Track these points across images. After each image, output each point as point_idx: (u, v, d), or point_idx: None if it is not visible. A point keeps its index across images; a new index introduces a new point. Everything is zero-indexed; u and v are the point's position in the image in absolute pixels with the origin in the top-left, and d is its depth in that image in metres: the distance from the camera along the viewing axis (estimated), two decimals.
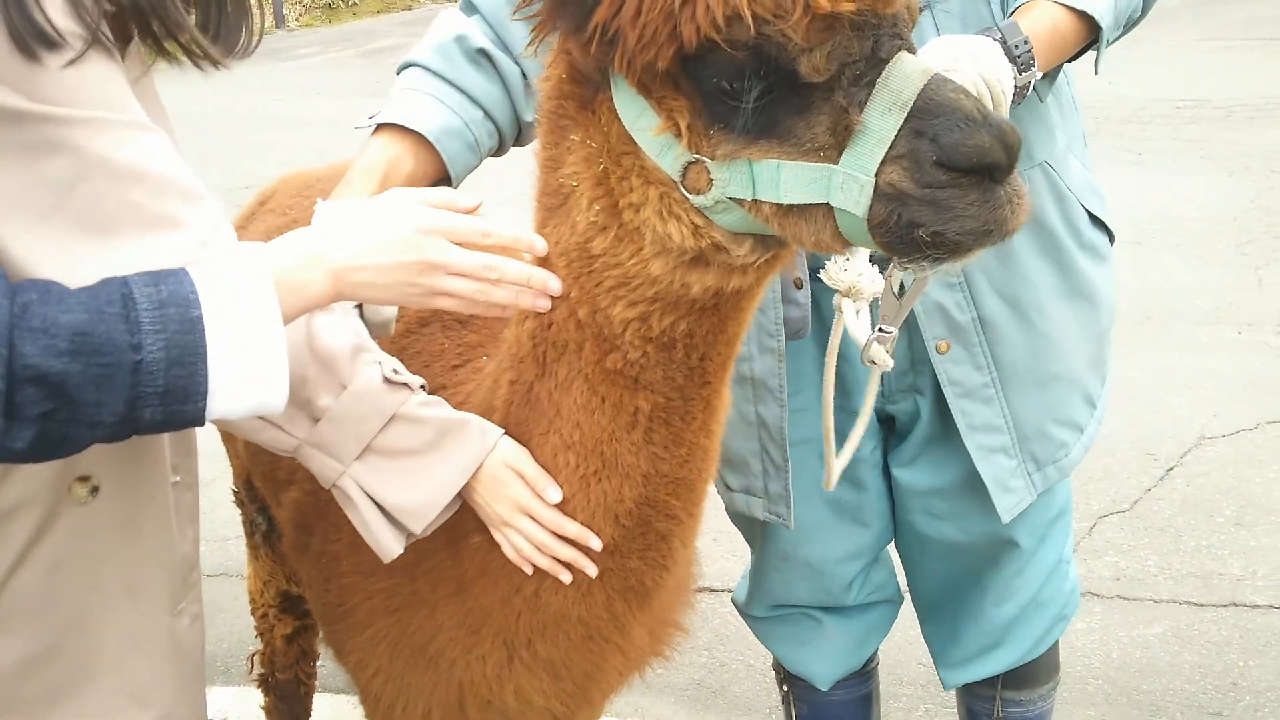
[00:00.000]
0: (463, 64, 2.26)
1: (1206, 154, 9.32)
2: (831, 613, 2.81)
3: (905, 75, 1.37)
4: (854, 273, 1.95)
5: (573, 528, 1.83)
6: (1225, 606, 4.19)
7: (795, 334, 2.40)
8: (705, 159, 1.49)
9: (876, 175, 1.37)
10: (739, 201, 1.50)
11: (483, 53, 2.27)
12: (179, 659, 1.73)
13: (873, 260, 1.96)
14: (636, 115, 1.53)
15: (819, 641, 2.82)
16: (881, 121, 1.36)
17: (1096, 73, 2.32)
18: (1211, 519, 4.70)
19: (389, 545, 1.82)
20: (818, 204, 1.43)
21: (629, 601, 1.93)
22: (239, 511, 3.14)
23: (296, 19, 21.54)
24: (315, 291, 1.55)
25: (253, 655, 3.42)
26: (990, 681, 2.84)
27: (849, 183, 1.39)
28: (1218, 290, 6.75)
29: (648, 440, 1.76)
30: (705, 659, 4.12)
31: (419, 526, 1.82)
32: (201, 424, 1.48)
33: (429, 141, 2.13)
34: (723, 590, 4.16)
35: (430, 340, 2.19)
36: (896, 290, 1.99)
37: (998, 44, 1.92)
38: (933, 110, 1.35)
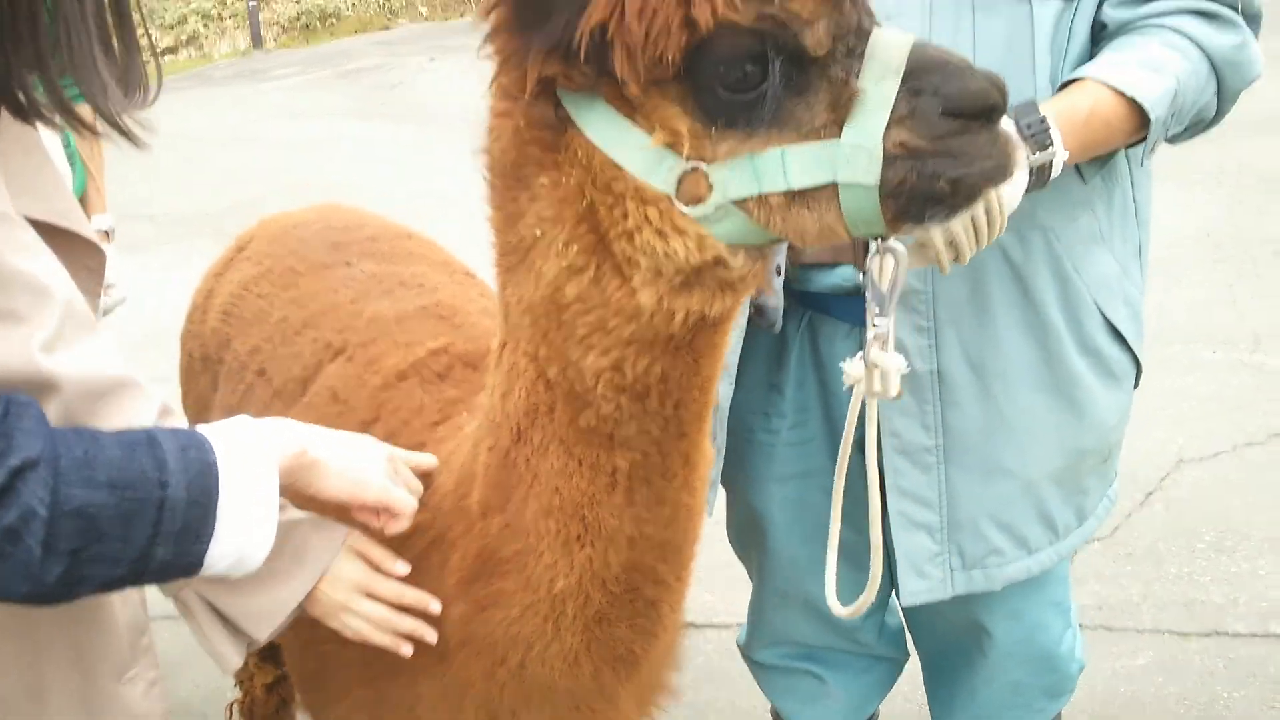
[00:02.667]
0: None
1: (1177, 168, 9.37)
2: (836, 669, 2.75)
3: (891, 43, 1.41)
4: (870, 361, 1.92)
5: (412, 595, 1.85)
6: (1209, 635, 4.19)
7: (770, 326, 2.32)
8: (703, 164, 1.48)
9: (884, 140, 1.40)
10: (739, 204, 1.49)
11: None
12: None
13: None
14: (620, 137, 1.50)
15: (823, 699, 2.77)
16: (879, 89, 1.39)
17: (1141, 164, 2.18)
18: (1192, 545, 4.71)
19: (229, 658, 1.79)
20: (823, 185, 1.44)
21: (617, 671, 1.91)
22: None
23: (274, 39, 21.47)
24: (289, 453, 1.65)
25: (231, 704, 3.39)
26: None
27: (856, 154, 1.41)
28: (1191, 308, 6.78)
29: (629, 502, 1.74)
30: (690, 698, 4.10)
31: (263, 634, 1.79)
32: (198, 571, 1.52)
33: None
34: (705, 626, 4.15)
35: (409, 396, 2.18)
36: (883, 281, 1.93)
37: (1009, 121, 1.89)
38: (926, 68, 1.39)
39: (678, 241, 1.51)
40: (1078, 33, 2.12)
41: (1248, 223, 8.07)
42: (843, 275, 2.26)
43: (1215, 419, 5.60)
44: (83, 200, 3.41)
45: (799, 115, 1.44)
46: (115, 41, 1.52)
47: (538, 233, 1.60)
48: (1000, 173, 1.45)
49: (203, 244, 9.46)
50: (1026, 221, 2.16)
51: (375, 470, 1.78)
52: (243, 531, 1.54)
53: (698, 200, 1.49)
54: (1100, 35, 2.15)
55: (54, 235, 1.53)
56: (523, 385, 1.73)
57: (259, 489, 1.56)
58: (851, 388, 1.83)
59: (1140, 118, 2.01)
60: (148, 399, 1.57)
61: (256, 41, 21.26)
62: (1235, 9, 2.08)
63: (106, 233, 3.43)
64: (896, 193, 1.43)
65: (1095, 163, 2.16)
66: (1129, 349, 2.37)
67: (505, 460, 1.80)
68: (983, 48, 2.07)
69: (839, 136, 1.42)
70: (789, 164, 1.44)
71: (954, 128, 1.41)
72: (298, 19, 22.08)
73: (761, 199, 1.48)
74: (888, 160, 1.41)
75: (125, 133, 1.55)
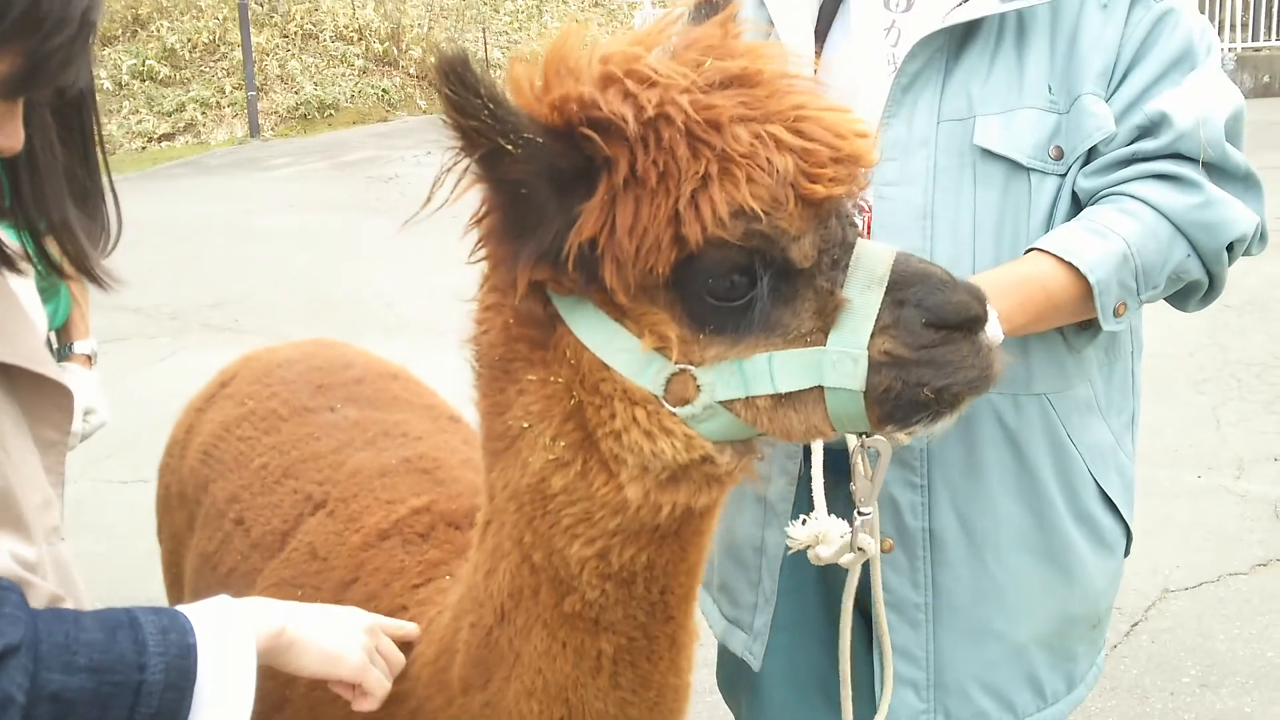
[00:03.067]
0: None
1: None
2: None
3: (876, 254, 1.47)
4: (813, 525, 1.96)
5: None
6: None
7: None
8: (692, 366, 1.50)
9: (869, 348, 1.44)
10: (727, 405, 1.51)
11: None
12: None
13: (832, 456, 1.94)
14: (608, 339, 1.52)
15: None
16: (864, 298, 1.45)
17: (1104, 328, 2.12)
18: (1177, 679, 4.68)
19: None
20: (810, 389, 1.48)
21: None
22: None
23: (271, 129, 21.75)
24: (268, 633, 1.67)
25: None
26: None
27: (842, 360, 1.45)
28: (1176, 431, 6.81)
29: (614, 685, 1.72)
30: None
31: None
32: None
33: None
34: None
35: (390, 556, 2.15)
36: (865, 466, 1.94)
37: None
38: (909, 280, 1.45)
39: (665, 441, 1.53)
40: (1060, 210, 2.15)
41: (1231, 344, 8.15)
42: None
43: (1200, 548, 5.59)
44: (67, 326, 3.41)
45: (786, 322, 1.48)
46: (85, 190, 1.57)
47: (525, 425, 1.61)
48: (983, 382, 1.49)
49: (190, 339, 9.50)
50: (1023, 387, 2.17)
51: (353, 647, 1.77)
52: (218, 714, 1.53)
53: (685, 401, 1.52)
54: (1078, 205, 2.19)
55: (22, 377, 1.56)
56: (507, 566, 1.73)
57: (237, 671, 1.56)
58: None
59: (1085, 283, 2.01)
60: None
61: (254, 130, 21.52)
62: (1197, 169, 2.09)
63: (89, 356, 3.43)
64: (882, 399, 1.47)
65: (1084, 333, 2.17)
66: (1121, 518, 2.37)
67: (488, 639, 1.78)
68: (981, 219, 2.12)
69: (825, 343, 1.46)
70: (776, 369, 1.48)
71: (937, 338, 1.45)
72: (296, 109, 22.38)
73: (749, 400, 1.51)
74: (873, 367, 1.46)
75: (95, 277, 1.59)
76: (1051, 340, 2.17)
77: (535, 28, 28.57)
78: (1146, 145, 2.07)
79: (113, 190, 1.63)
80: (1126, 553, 2.44)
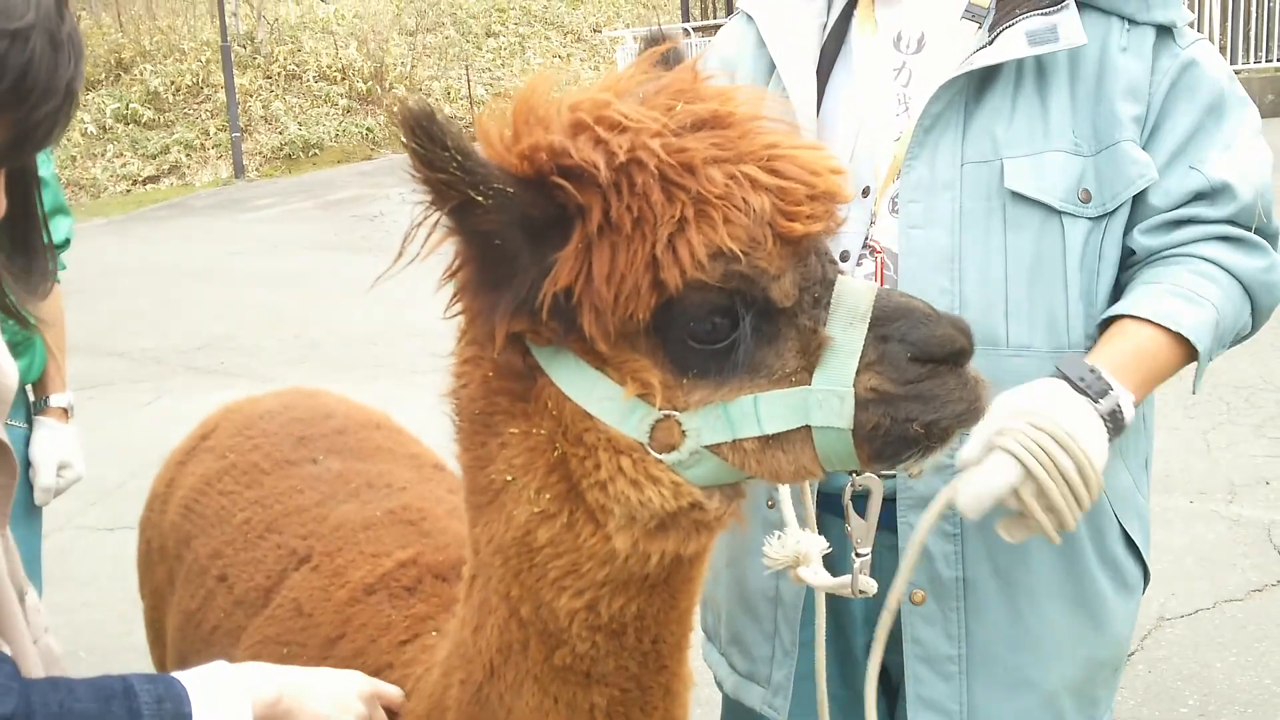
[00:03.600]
0: None
1: None
2: None
3: (857, 291, 1.45)
4: (791, 542, 1.93)
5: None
6: None
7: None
8: (676, 412, 1.48)
9: (855, 385, 1.43)
10: (713, 449, 1.49)
11: None
12: None
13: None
14: (590, 388, 1.51)
15: None
16: (847, 335, 1.43)
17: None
18: (1175, 709, 4.64)
19: None
20: (797, 429, 1.47)
21: None
22: None
23: (256, 169, 21.78)
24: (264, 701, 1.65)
25: None
26: None
27: (828, 399, 1.44)
28: (1167, 456, 6.79)
29: None
30: None
31: None
32: None
33: None
34: None
35: (376, 611, 2.12)
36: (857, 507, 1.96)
37: (1061, 381, 1.90)
38: (891, 316, 1.44)
39: (652, 490, 1.51)
40: (1107, 254, 2.14)
41: (1220, 367, 8.07)
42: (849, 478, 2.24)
43: (1194, 574, 5.57)
44: (43, 379, 3.37)
45: (770, 362, 1.47)
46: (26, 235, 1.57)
47: (508, 478, 1.58)
48: (972, 414, 1.48)
49: (175, 383, 9.45)
50: None
51: (349, 714, 1.75)
52: None
53: (671, 447, 1.50)
54: (1128, 260, 2.17)
55: None
56: (495, 622, 1.69)
57: None
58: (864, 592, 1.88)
59: (1184, 348, 2.03)
60: None
61: (239, 171, 21.55)
62: (1263, 233, 2.14)
63: (65, 410, 3.38)
64: (871, 436, 1.46)
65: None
66: (1141, 559, 2.34)
67: (478, 695, 1.75)
68: (1014, 263, 2.10)
69: (810, 382, 1.45)
70: (761, 410, 1.46)
71: (923, 372, 1.44)
72: (281, 149, 22.43)
73: (736, 444, 1.49)
74: (860, 404, 1.44)
75: (22, 318, 1.58)
76: None
77: (518, 64, 28.73)
78: (1208, 212, 2.09)
79: (48, 234, 1.63)
80: (1142, 591, 2.41)
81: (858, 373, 1.44)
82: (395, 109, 1.39)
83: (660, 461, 1.50)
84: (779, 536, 1.95)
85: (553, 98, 1.47)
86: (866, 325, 1.44)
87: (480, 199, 1.39)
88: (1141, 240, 2.12)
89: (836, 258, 1.52)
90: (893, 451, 1.48)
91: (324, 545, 2.32)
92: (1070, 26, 2.07)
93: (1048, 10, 2.09)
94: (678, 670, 1.74)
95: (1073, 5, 2.10)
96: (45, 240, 1.59)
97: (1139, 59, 2.12)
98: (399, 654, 2.02)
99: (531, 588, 1.62)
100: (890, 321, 1.45)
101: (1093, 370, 1.93)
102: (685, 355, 1.47)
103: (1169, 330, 2.00)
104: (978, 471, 1.82)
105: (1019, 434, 1.78)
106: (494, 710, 1.73)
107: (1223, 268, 2.08)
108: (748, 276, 1.42)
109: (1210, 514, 6.14)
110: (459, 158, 1.37)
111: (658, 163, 1.39)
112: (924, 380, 1.44)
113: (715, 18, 25.90)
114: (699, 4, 27.21)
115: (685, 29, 24.85)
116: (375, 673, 1.95)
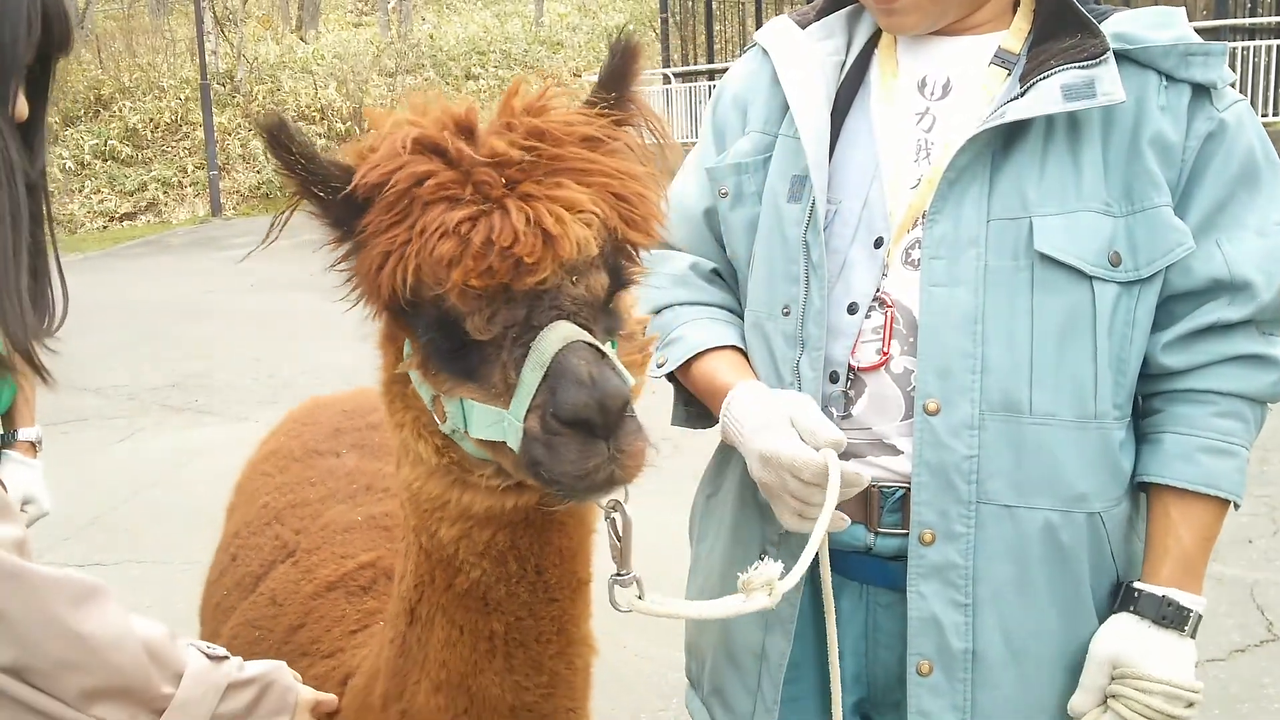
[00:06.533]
0: (707, 286, 2.38)
1: None
2: None
3: (548, 341, 1.58)
4: (763, 572, 1.91)
5: None
6: None
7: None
8: (441, 393, 1.70)
9: (524, 421, 1.59)
10: (463, 432, 1.70)
11: (715, 272, 2.39)
12: None
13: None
14: (408, 353, 1.76)
15: None
16: (530, 377, 1.58)
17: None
18: None
19: None
20: (500, 441, 1.63)
21: None
22: None
23: (233, 208, 21.73)
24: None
25: None
26: None
27: (511, 424, 1.60)
28: None
29: (509, 668, 1.86)
30: None
31: None
32: None
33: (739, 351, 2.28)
34: None
35: (333, 605, 2.31)
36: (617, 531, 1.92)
37: (1145, 622, 2.01)
38: (558, 372, 1.56)
39: (424, 445, 1.76)
40: (1140, 321, 2.07)
41: None
42: (853, 535, 2.18)
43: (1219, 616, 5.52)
44: (11, 412, 3.30)
45: (489, 378, 1.64)
46: (34, 273, 1.61)
47: (398, 428, 1.84)
48: (579, 483, 1.58)
49: (148, 419, 9.34)
50: (1080, 505, 2.08)
51: None
52: None
53: (442, 420, 1.72)
54: (1149, 366, 2.11)
55: None
56: (411, 561, 1.90)
57: None
58: None
59: (1226, 502, 2.05)
60: None
61: (216, 209, 21.49)
62: (1274, 341, 2.10)
63: (33, 444, 3.31)
64: (530, 468, 1.61)
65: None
66: None
67: (403, 647, 1.93)
68: (1041, 327, 2.03)
69: (508, 407, 1.61)
70: (474, 417, 1.66)
71: (555, 428, 1.57)
72: (258, 188, 22.41)
73: (469, 433, 1.69)
74: (525, 438, 1.59)
75: (39, 369, 1.65)
76: (1111, 459, 2.09)
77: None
78: (1227, 314, 2.05)
79: (61, 274, 1.70)
80: None
81: (528, 410, 1.58)
82: (255, 120, 1.73)
83: (434, 424, 1.73)
84: (754, 566, 1.92)
85: (397, 121, 1.70)
86: (543, 373, 1.56)
87: (320, 194, 1.66)
88: (1162, 360, 2.08)
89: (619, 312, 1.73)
90: (547, 486, 1.62)
91: (308, 542, 2.51)
92: (1109, 82, 1.99)
93: (1086, 64, 2.01)
94: (570, 611, 1.89)
95: (1112, 59, 2.01)
96: (56, 266, 1.66)
97: (1174, 119, 2.04)
98: (350, 640, 2.22)
99: (423, 520, 1.85)
100: (556, 377, 1.56)
101: (1168, 603, 2.00)
102: (434, 349, 1.68)
103: (1215, 497, 2.03)
104: None
105: (1131, 702, 1.97)
106: (413, 655, 1.91)
107: (1243, 398, 2.08)
108: (443, 307, 1.62)
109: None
110: (302, 160, 1.64)
111: (394, 190, 1.60)
112: (555, 436, 1.56)
113: (695, 63, 26.17)
114: (679, 50, 27.48)
115: (665, 74, 25.12)
116: (328, 657, 2.19)
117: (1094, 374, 2.04)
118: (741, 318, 2.34)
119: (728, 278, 2.39)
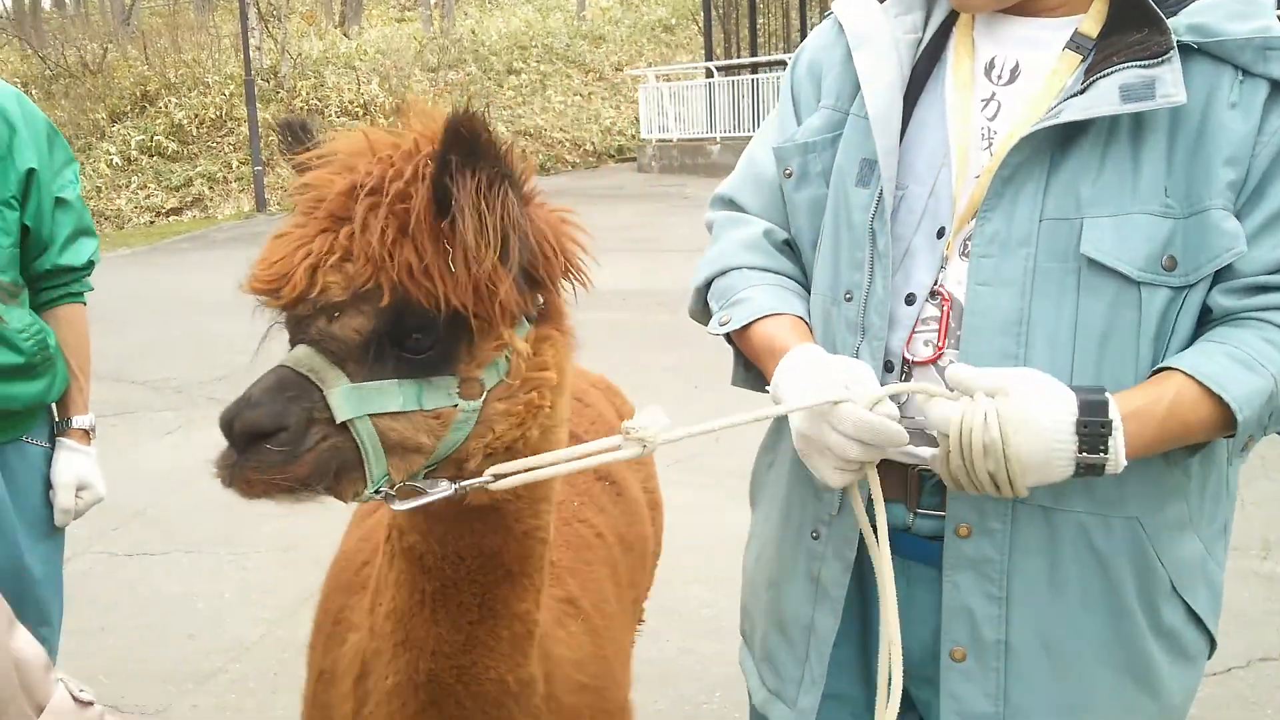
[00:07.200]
0: (778, 255, 2.35)
1: None
2: None
3: (285, 357, 1.77)
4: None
5: None
6: None
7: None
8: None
9: None
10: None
11: (788, 243, 2.36)
12: None
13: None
14: None
15: None
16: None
17: (1230, 464, 2.04)
18: None
19: None
20: None
21: None
22: None
23: (278, 203, 21.90)
24: None
25: None
26: None
27: None
28: None
29: (434, 620, 2.06)
30: None
31: None
32: None
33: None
34: None
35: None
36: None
37: (1068, 403, 1.82)
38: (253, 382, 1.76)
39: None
40: (1180, 327, 1.99)
41: None
42: (893, 514, 2.16)
43: (1227, 632, 5.34)
44: (65, 400, 3.33)
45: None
46: None
47: None
48: (224, 479, 1.72)
49: (196, 412, 9.42)
50: (1117, 510, 2.03)
51: None
52: None
53: None
54: (1205, 318, 2.02)
55: None
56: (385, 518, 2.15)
57: None
58: None
59: (1225, 413, 1.88)
60: None
61: (260, 205, 21.68)
62: None
63: (87, 431, 3.35)
64: None
65: (1196, 455, 2.02)
66: (1205, 629, 2.20)
67: (378, 573, 2.19)
68: (1084, 332, 1.97)
69: None
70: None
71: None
72: None
73: None
74: None
75: None
76: (1147, 462, 1.99)
77: (539, 101, 28.95)
78: None
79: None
80: (1207, 658, 2.31)
81: None
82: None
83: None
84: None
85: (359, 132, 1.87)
86: None
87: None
88: (1221, 300, 1.98)
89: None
90: None
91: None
92: (1170, 82, 1.90)
93: (1148, 62, 1.92)
94: (495, 591, 2.05)
95: (1176, 59, 1.92)
96: None
97: (1246, 117, 1.93)
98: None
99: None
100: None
101: (1102, 424, 1.83)
102: None
103: (1212, 393, 1.88)
104: (934, 404, 1.89)
105: (980, 412, 1.82)
106: (382, 583, 2.14)
107: None
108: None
109: (1244, 570, 6.04)
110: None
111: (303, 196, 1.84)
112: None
113: (738, 57, 26.09)
114: (722, 44, 27.40)
115: (708, 68, 25.06)
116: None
117: (1134, 379, 1.97)
118: (809, 291, 2.30)
119: (799, 250, 2.34)
